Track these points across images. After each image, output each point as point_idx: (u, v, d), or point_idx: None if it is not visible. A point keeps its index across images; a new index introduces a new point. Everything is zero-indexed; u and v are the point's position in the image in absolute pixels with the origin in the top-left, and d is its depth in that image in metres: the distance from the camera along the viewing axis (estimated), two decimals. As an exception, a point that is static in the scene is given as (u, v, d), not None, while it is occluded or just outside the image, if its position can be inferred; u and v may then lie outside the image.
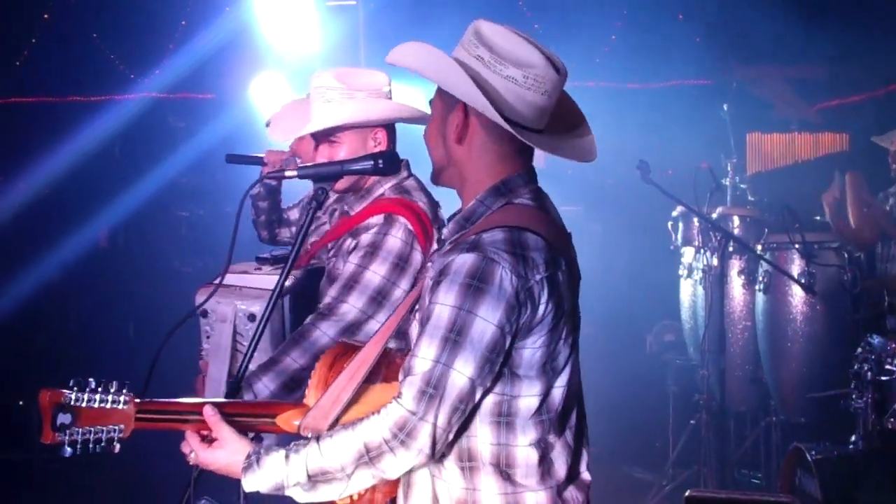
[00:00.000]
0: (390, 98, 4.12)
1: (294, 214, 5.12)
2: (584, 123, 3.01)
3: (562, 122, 2.93)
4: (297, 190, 5.22)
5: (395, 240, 3.89)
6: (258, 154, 4.98)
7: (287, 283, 4.00)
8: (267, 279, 4.14)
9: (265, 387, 3.76)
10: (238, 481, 2.87)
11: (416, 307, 2.86)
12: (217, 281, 3.41)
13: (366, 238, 3.92)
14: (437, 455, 2.68)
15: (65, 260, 9.93)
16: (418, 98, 4.38)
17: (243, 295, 4.04)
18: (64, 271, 10.07)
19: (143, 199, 10.01)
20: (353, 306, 3.83)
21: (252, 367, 3.89)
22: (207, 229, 10.46)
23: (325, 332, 3.81)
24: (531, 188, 2.86)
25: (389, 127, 4.12)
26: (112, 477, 6.95)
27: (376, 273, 3.85)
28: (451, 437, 2.67)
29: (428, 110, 2.98)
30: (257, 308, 3.97)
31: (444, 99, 2.86)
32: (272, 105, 8.22)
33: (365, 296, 3.83)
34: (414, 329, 2.84)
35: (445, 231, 2.89)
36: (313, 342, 3.80)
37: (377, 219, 3.95)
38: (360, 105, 3.99)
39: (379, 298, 3.83)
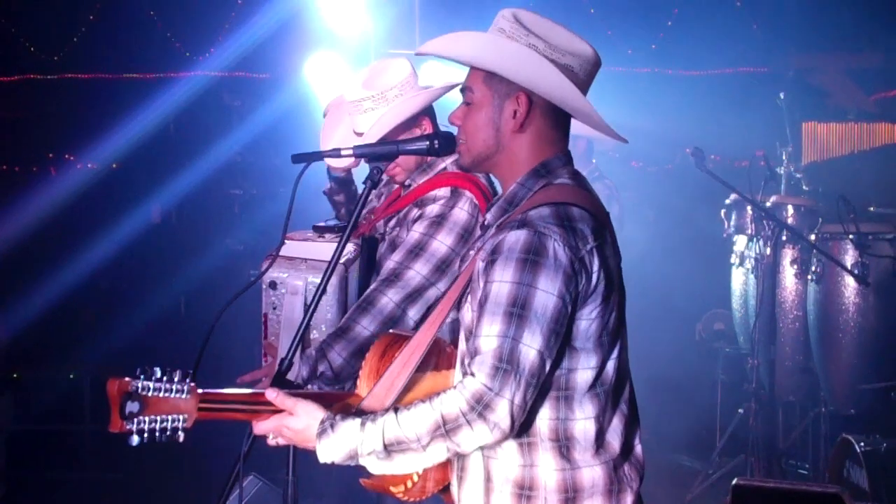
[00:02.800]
0: (416, 78, 4.15)
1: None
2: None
3: None
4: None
5: (462, 212, 3.93)
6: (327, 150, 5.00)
7: (351, 253, 4.04)
8: (332, 248, 4.16)
9: (338, 355, 3.81)
10: (289, 459, 2.88)
11: (467, 292, 2.84)
12: (275, 252, 3.44)
13: (433, 209, 3.96)
14: (513, 433, 2.66)
15: (118, 236, 10.00)
16: (437, 67, 4.40)
17: (312, 267, 4.05)
18: (117, 247, 10.16)
19: (196, 176, 10.08)
20: (417, 273, 3.87)
21: (321, 336, 3.95)
22: (259, 208, 10.51)
23: (391, 299, 3.85)
24: (569, 169, 2.88)
25: (429, 110, 4.16)
26: (161, 450, 7.00)
27: (443, 243, 3.89)
28: (525, 413, 2.64)
29: (449, 75, 2.95)
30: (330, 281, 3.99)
31: (493, 86, 2.85)
32: (326, 85, 8.27)
33: (430, 264, 3.88)
34: (467, 313, 2.82)
35: (489, 216, 2.90)
36: (381, 309, 3.85)
37: (444, 191, 3.99)
38: (396, 107, 4.02)
39: (443, 267, 3.87)
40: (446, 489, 2.96)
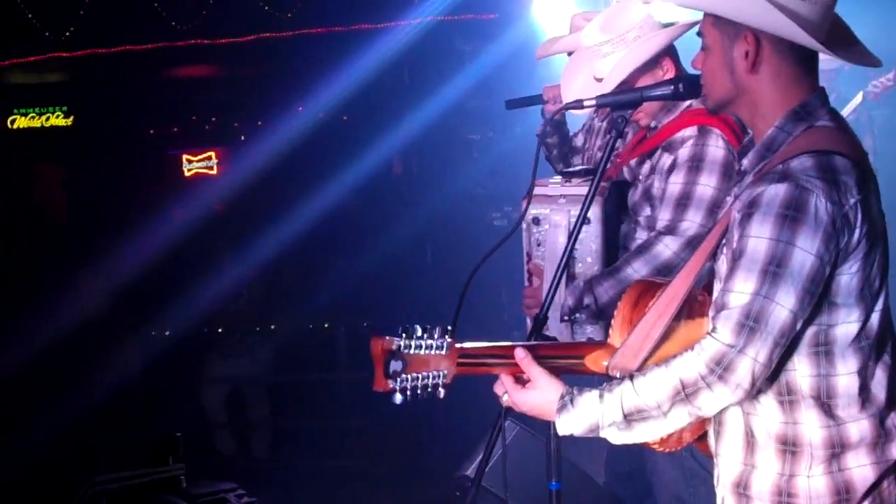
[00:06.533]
0: (655, 20, 4.07)
1: (579, 140, 5.14)
2: (849, 29, 2.88)
3: (833, 32, 2.80)
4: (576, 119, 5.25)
5: (716, 149, 3.89)
6: (536, 94, 5.02)
7: (604, 194, 4.04)
8: (583, 189, 4.15)
9: (605, 292, 3.88)
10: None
11: (723, 242, 2.78)
12: (531, 191, 3.47)
13: (684, 153, 3.93)
14: (754, 392, 2.61)
15: (359, 185, 10.18)
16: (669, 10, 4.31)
17: (572, 201, 4.04)
18: (359, 197, 10.36)
19: (432, 123, 10.14)
20: (692, 222, 3.85)
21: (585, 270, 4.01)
22: (499, 151, 10.48)
23: (668, 246, 3.85)
24: (828, 109, 2.77)
25: (671, 50, 4.09)
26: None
27: (707, 185, 3.86)
28: (769, 372, 2.59)
29: (683, 14, 2.88)
30: (591, 212, 3.96)
31: (721, 29, 2.76)
32: (555, 24, 8.18)
33: (702, 209, 3.85)
34: (722, 264, 2.76)
35: (745, 162, 2.82)
36: (656, 255, 3.86)
37: (690, 131, 3.95)
38: (636, 49, 3.98)
39: (715, 210, 3.82)
40: (702, 437, 2.91)
